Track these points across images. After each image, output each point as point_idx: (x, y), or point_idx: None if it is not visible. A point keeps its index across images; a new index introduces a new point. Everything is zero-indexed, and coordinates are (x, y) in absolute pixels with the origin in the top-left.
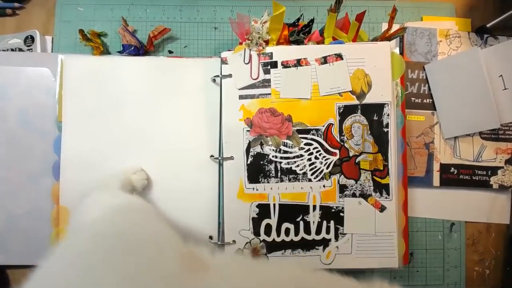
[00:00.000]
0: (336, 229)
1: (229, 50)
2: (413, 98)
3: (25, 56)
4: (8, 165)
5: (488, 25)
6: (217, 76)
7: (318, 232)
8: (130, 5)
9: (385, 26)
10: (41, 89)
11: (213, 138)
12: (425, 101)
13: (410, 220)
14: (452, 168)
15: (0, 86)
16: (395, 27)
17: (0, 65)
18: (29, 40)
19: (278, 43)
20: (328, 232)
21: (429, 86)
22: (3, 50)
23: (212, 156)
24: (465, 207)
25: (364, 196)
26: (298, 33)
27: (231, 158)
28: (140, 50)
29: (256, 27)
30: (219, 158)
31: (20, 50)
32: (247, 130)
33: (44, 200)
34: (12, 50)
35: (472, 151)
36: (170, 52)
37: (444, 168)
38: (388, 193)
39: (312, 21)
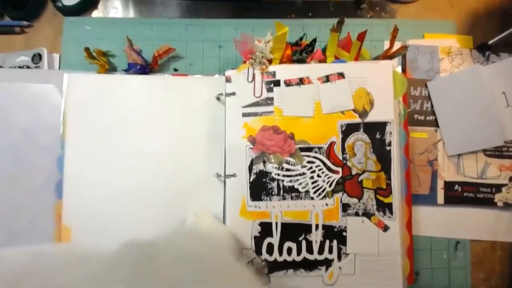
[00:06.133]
0: (339, 249)
1: (233, 69)
2: (416, 115)
3: (32, 73)
4: (11, 181)
5: (489, 43)
6: (221, 94)
7: (321, 251)
8: (137, 24)
9: (387, 44)
10: (46, 106)
11: (218, 156)
12: (428, 118)
13: (415, 239)
14: (456, 186)
15: (5, 102)
16: (397, 44)
17: (7, 82)
18: (37, 58)
19: (281, 62)
20: (331, 251)
21: (431, 103)
22: (10, 67)
23: (217, 173)
24: (470, 225)
25: (367, 215)
26: (300, 52)
27: (234, 175)
28: (146, 68)
29: (259, 47)
30: (222, 175)
31: (28, 67)
32: (250, 148)
33: (46, 219)
34: (19, 67)
35: (476, 168)
36: (176, 70)
37: (448, 185)
38: (391, 212)
39: (314, 40)
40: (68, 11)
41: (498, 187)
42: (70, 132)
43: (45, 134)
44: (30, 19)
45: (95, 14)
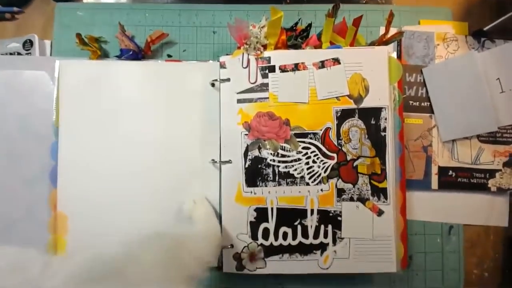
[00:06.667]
0: (334, 233)
1: (227, 54)
2: (411, 101)
3: (23, 60)
4: (5, 169)
5: (485, 29)
6: (216, 80)
7: (316, 236)
8: (129, 10)
9: (382, 30)
10: (39, 93)
11: (214, 142)
12: (423, 104)
13: (409, 223)
14: (450, 171)
15: None
16: (393, 31)
17: None
18: (28, 44)
19: (276, 48)
20: (326, 236)
21: (426, 89)
22: (1, 54)
23: (212, 160)
24: (463, 210)
25: (362, 200)
26: (296, 37)
27: (229, 161)
28: (138, 54)
29: (254, 32)
30: (218, 162)
31: (19, 54)
32: (245, 134)
33: (42, 206)
34: (10, 54)
35: (470, 154)
36: (169, 56)
37: (442, 171)
38: (385, 197)
39: (310, 25)
40: None
41: (491, 173)
42: (63, 119)
43: (38, 121)
44: (21, 5)
45: None
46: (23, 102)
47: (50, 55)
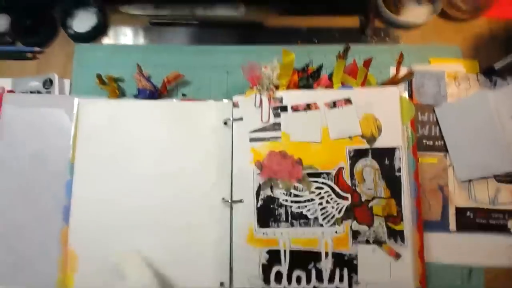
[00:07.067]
0: (350, 278)
1: (240, 94)
2: (424, 140)
3: (43, 98)
4: (20, 205)
5: (496, 68)
6: (229, 119)
7: (331, 280)
8: (146, 50)
9: (392, 69)
10: (56, 131)
11: (225, 181)
12: (436, 143)
13: (427, 266)
14: (468, 212)
15: (15, 126)
16: (403, 69)
17: (18, 107)
18: (48, 83)
19: (288, 88)
20: (341, 280)
21: (439, 128)
22: (22, 92)
23: (223, 199)
24: (483, 252)
25: (378, 243)
26: (307, 78)
27: (241, 201)
28: (155, 94)
29: (266, 73)
30: (229, 201)
31: (39, 92)
32: (257, 173)
33: (53, 244)
34: (31, 92)
35: (487, 194)
36: (184, 95)
37: (460, 211)
38: (403, 240)
39: (321, 67)
40: (79, 38)
41: (510, 213)
42: (79, 156)
43: (54, 158)
44: (42, 45)
45: (106, 40)
46: (40, 138)
47: (69, 93)
